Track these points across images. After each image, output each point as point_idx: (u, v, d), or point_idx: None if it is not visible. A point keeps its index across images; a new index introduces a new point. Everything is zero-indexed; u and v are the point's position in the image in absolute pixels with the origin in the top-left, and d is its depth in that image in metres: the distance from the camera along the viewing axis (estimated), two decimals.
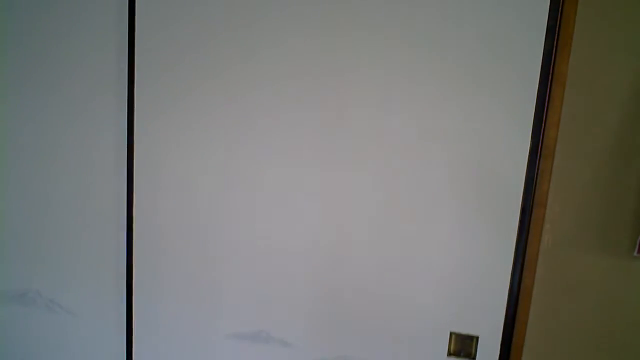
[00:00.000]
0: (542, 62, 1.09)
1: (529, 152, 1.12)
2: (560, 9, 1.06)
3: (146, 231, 1.40)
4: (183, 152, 1.33)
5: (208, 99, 1.29)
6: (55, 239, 1.51)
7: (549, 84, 1.09)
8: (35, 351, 1.61)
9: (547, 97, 1.09)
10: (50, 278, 1.54)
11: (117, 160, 1.40)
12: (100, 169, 1.42)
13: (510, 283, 1.19)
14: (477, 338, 1.24)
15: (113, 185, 1.42)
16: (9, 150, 1.48)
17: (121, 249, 1.44)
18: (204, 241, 1.36)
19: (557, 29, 1.07)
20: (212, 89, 1.29)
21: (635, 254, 1.11)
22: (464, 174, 1.17)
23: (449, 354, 1.27)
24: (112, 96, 1.36)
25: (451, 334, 1.26)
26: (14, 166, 1.48)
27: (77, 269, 1.51)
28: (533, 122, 1.11)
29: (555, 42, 1.08)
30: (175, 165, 1.35)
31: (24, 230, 1.52)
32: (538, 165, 1.13)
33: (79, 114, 1.40)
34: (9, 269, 1.57)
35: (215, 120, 1.30)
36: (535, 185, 1.13)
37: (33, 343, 1.60)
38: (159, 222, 1.39)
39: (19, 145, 1.47)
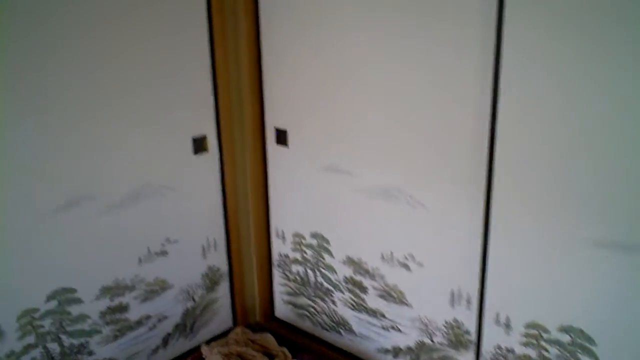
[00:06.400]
0: None
1: None
2: None
3: (510, 136, 1.45)
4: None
5: None
6: (418, 140, 1.66)
7: None
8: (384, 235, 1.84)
9: None
10: (410, 176, 1.71)
11: (483, 67, 1.46)
12: (461, 72, 1.51)
13: None
14: None
15: (475, 89, 1.49)
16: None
17: (482, 151, 1.52)
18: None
19: None
20: None
21: None
22: None
23: None
24: None
25: None
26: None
27: (437, 168, 1.64)
28: None
29: None
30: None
31: (391, 133, 1.71)
32: None
33: None
34: (372, 170, 1.80)
35: None
36: None
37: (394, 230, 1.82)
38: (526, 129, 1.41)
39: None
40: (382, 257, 1.88)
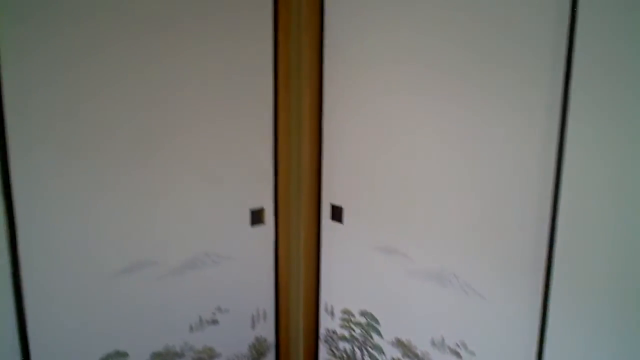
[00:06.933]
0: None
1: None
2: None
3: (572, 227, 1.43)
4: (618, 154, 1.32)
5: None
6: (475, 227, 1.66)
7: None
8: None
9: None
10: (466, 262, 1.70)
11: (545, 151, 1.45)
12: (522, 158, 1.51)
13: None
14: None
15: (536, 175, 1.48)
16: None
17: (541, 242, 1.50)
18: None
19: None
20: None
21: None
22: None
23: None
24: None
25: None
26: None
27: (494, 257, 1.62)
28: None
29: None
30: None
31: (448, 218, 1.73)
32: None
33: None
34: (428, 250, 1.80)
35: None
36: None
37: (447, 315, 1.79)
38: (588, 221, 1.40)
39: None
40: (433, 342, 1.85)
